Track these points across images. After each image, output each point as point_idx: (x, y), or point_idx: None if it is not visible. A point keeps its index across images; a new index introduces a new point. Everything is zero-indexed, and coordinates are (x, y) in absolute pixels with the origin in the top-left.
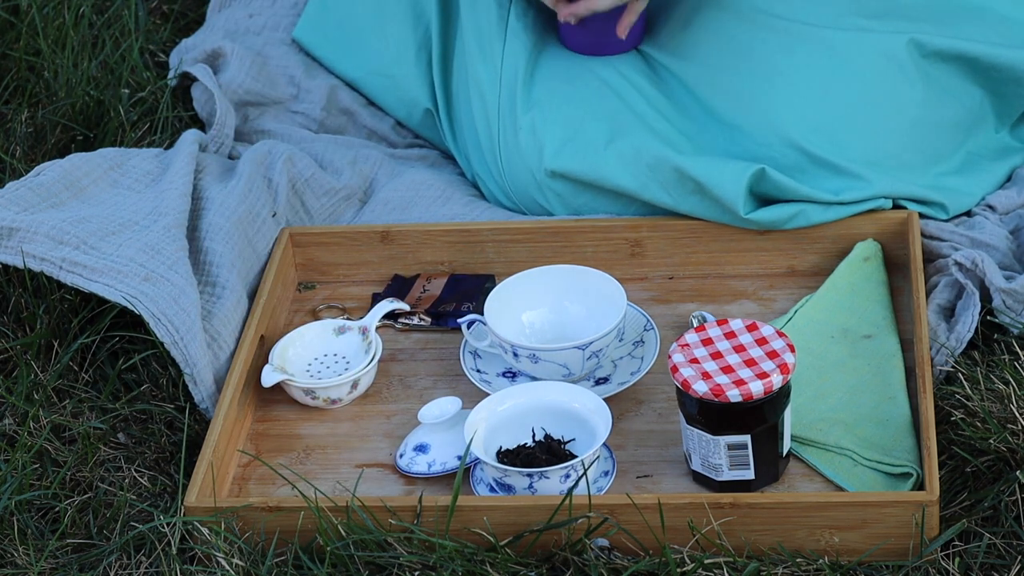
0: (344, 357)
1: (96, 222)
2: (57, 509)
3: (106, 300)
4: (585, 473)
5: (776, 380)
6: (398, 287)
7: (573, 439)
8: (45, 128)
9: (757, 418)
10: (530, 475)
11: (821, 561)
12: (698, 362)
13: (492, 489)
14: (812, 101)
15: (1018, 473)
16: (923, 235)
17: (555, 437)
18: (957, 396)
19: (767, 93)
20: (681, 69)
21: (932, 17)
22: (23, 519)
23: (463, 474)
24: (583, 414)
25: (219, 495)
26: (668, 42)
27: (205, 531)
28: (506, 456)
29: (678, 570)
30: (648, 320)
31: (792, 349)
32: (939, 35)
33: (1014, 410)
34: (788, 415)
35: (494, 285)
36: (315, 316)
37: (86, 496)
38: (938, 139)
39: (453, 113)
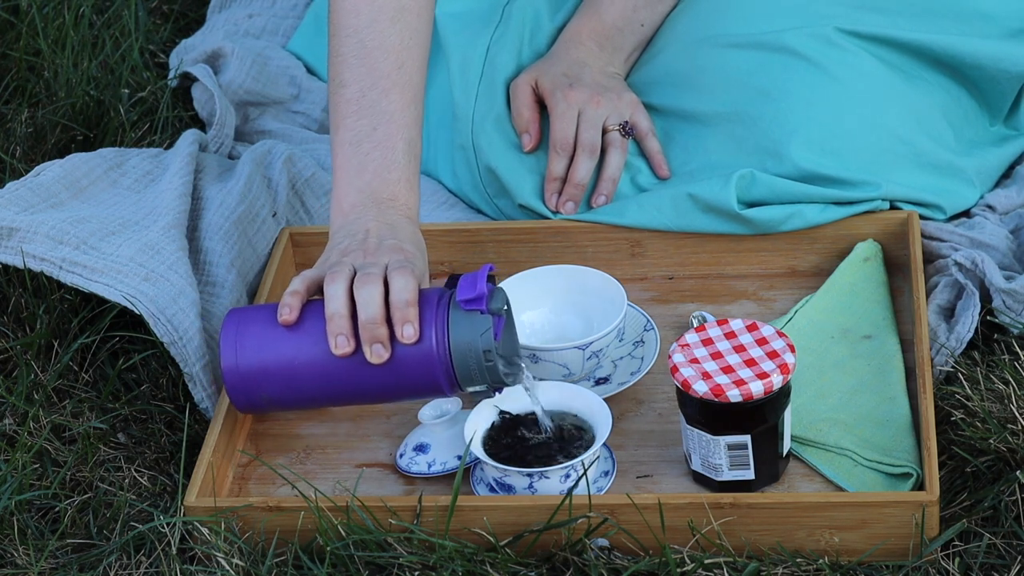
0: None
1: (96, 222)
2: (57, 509)
3: (106, 300)
4: (585, 473)
5: (776, 380)
6: None
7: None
8: (45, 128)
9: (757, 418)
10: (530, 475)
11: (821, 561)
12: (698, 362)
13: (492, 489)
14: (801, 117)
15: (1018, 473)
16: (923, 235)
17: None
18: (957, 396)
19: (758, 115)
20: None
21: (907, 12)
22: (23, 519)
23: (463, 474)
24: (583, 414)
25: (219, 495)
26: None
27: (205, 531)
28: (511, 423)
29: (678, 570)
30: (648, 320)
31: (792, 349)
32: (914, 30)
33: (1014, 410)
34: (788, 415)
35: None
36: None
37: (86, 496)
38: (932, 139)
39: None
